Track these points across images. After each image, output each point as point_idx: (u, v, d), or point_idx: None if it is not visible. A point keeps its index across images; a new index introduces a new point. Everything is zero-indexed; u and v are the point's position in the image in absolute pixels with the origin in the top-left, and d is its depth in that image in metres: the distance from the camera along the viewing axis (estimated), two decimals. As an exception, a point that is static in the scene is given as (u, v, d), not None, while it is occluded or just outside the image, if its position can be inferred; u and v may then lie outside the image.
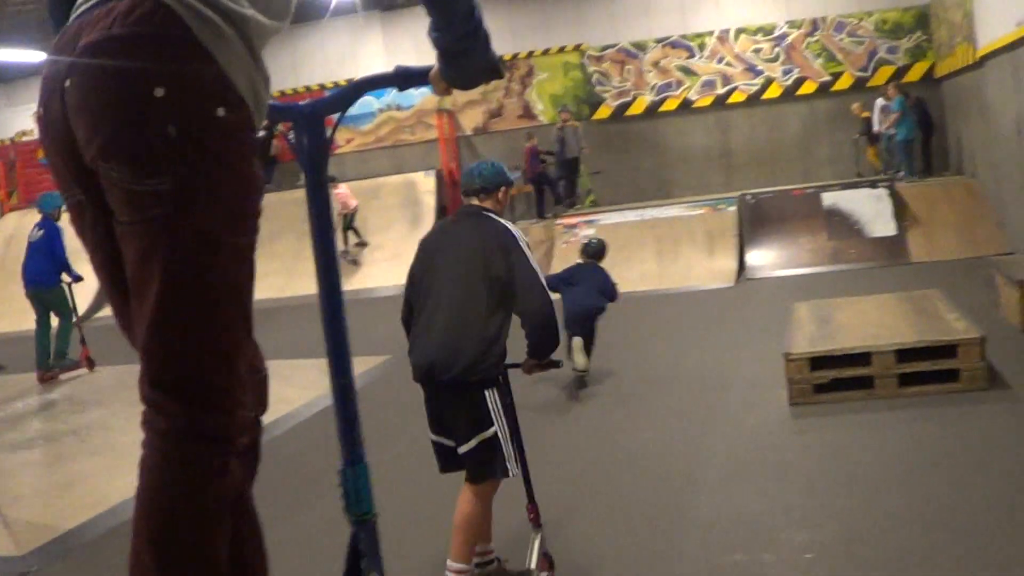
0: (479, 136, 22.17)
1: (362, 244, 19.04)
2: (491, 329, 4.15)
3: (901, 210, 15.57)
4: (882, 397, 7.39)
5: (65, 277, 11.02)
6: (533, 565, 4.21)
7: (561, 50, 21.67)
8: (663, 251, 15.71)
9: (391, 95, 22.00)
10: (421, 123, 22.36)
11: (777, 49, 20.70)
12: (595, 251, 9.38)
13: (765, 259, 15.59)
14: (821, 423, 7.06)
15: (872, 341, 7.59)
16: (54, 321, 11.24)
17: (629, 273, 15.56)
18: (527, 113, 21.93)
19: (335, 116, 2.59)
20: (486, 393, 4.12)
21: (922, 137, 17.85)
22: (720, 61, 20.96)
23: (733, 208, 16.41)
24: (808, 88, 20.66)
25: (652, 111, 21.21)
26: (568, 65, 21.64)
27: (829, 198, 16.29)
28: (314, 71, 22.79)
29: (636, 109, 21.31)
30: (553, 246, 16.97)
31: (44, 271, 11.03)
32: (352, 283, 17.87)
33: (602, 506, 5.95)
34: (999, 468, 5.69)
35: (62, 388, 10.71)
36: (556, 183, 19.33)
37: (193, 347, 2.01)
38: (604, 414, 8.22)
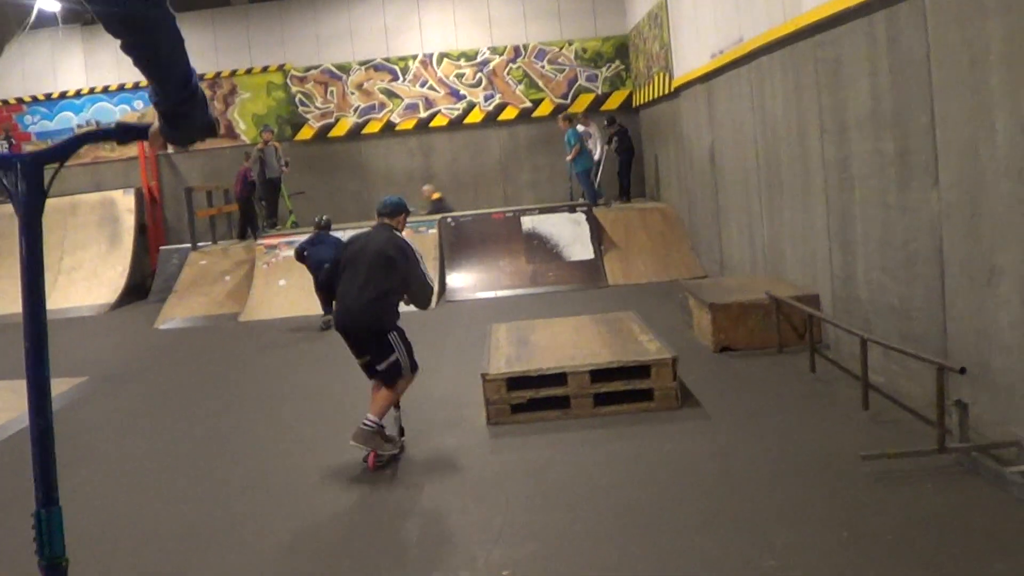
0: (180, 154, 21.66)
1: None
2: (390, 299, 7.09)
3: (599, 234, 16.38)
4: (578, 416, 7.71)
5: None
6: (396, 433, 7.23)
7: (265, 70, 21.51)
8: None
9: (91, 111, 21.76)
10: (121, 140, 21.54)
11: (480, 74, 21.36)
12: (327, 223, 12.86)
13: (466, 281, 15.91)
14: (519, 442, 7.27)
15: (568, 362, 7.91)
16: None
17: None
18: (229, 132, 21.55)
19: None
20: (389, 336, 7.02)
21: (621, 163, 18.92)
22: (423, 85, 21.38)
23: (434, 231, 16.64)
24: (510, 113, 21.43)
25: (355, 133, 21.33)
26: (271, 85, 21.51)
27: (529, 222, 16.88)
28: (13, 85, 21.78)
29: (339, 131, 21.35)
30: (254, 267, 16.56)
31: None
32: (49, 302, 17.07)
33: (296, 529, 5.89)
34: (691, 483, 6.06)
35: None
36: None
37: None
38: (303, 432, 8.19)
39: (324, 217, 14.15)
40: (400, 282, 7.04)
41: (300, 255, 13.57)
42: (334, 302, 7.30)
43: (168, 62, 2.61)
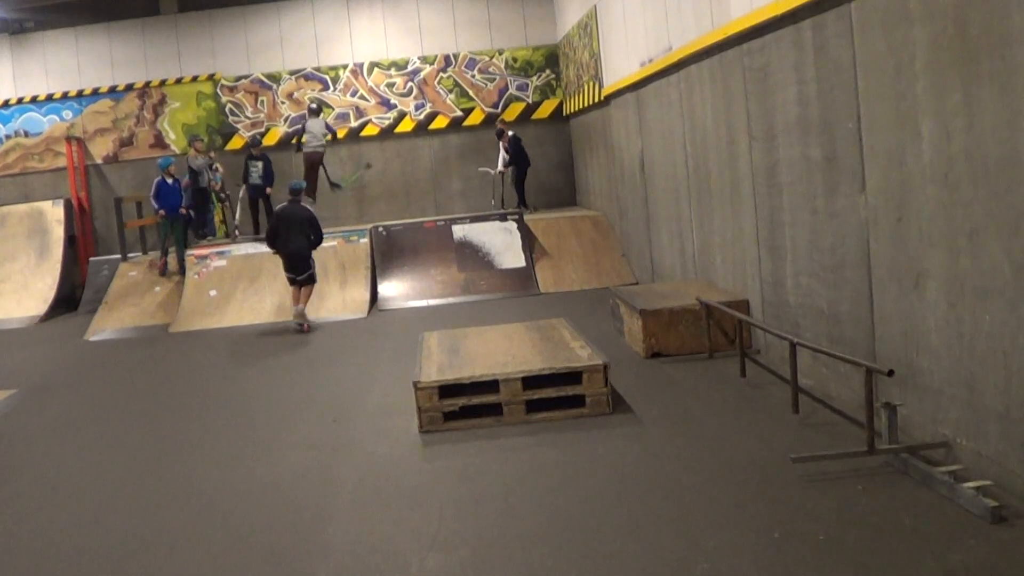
0: (110, 165, 21.29)
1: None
2: (308, 244, 13.57)
3: (530, 242, 16.37)
4: (511, 423, 7.66)
5: None
6: (302, 320, 13.77)
7: (194, 79, 21.19)
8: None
9: (19, 120, 21.35)
10: (50, 151, 21.36)
11: (410, 84, 21.27)
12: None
13: (397, 290, 15.79)
14: (451, 450, 7.19)
15: (500, 369, 7.86)
16: None
17: (262, 304, 15.30)
18: (159, 142, 21.21)
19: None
20: (310, 261, 13.66)
21: (517, 173, 18.99)
22: (354, 94, 21.24)
23: (365, 240, 16.50)
24: (441, 123, 21.34)
25: (286, 142, 21.06)
26: (201, 95, 21.22)
27: (460, 230, 16.81)
28: (-59, 95, 21.50)
29: (270, 140, 21.07)
30: (185, 277, 16.27)
31: None
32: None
33: (227, 538, 5.81)
34: (623, 487, 6.03)
35: None
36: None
37: None
38: (235, 443, 8.07)
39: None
40: (312, 231, 13.62)
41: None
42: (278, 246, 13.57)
43: None
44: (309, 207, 14.30)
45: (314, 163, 18.63)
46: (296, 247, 13.50)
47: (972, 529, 4.82)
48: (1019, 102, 4.76)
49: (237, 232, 18.28)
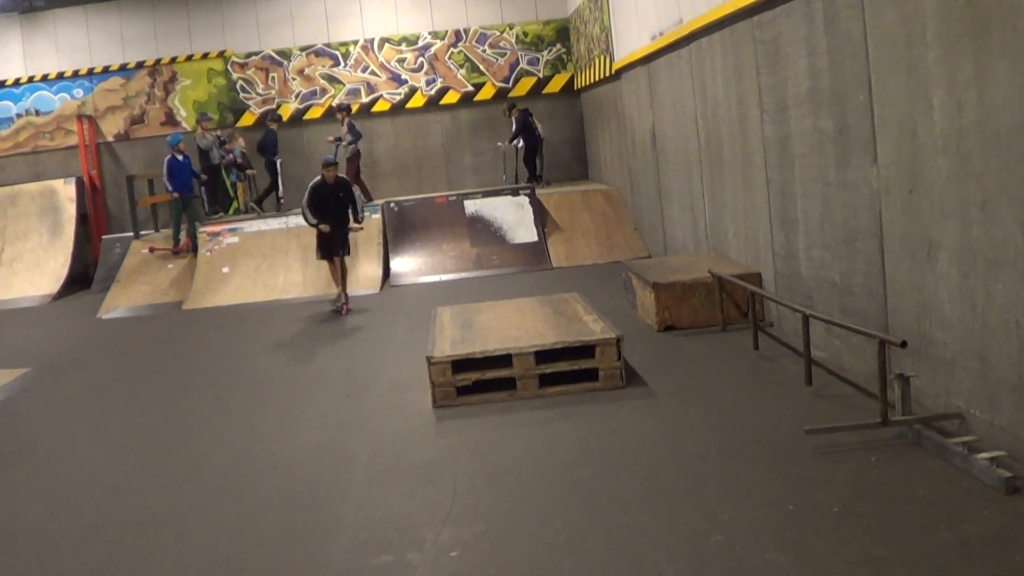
0: (121, 143, 21.33)
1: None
2: (347, 215, 13.02)
3: (542, 217, 16.35)
4: (524, 398, 7.68)
5: None
6: (343, 301, 13.15)
7: (205, 56, 21.18)
8: (309, 259, 15.54)
9: (30, 99, 21.36)
10: (61, 129, 21.40)
11: (421, 59, 21.21)
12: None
13: (409, 266, 15.82)
14: (465, 424, 7.21)
15: (513, 343, 7.87)
16: None
17: (275, 280, 15.34)
18: (170, 120, 21.23)
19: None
20: (348, 233, 13.08)
21: (526, 148, 18.95)
22: (365, 70, 21.19)
23: (377, 216, 16.50)
24: (451, 98, 21.30)
25: (297, 119, 21.08)
26: (212, 72, 21.19)
27: (472, 206, 16.81)
28: (-52, 72, 21.52)
29: (281, 116, 21.07)
30: (197, 254, 16.33)
31: None
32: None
33: (246, 511, 5.86)
34: (637, 460, 6.04)
35: None
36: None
37: None
38: (249, 419, 8.10)
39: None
40: (348, 203, 13.06)
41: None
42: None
43: None
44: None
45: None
46: (336, 222, 12.79)
47: (986, 500, 4.82)
48: (1032, 72, 4.73)
49: (282, 202, 18.68)
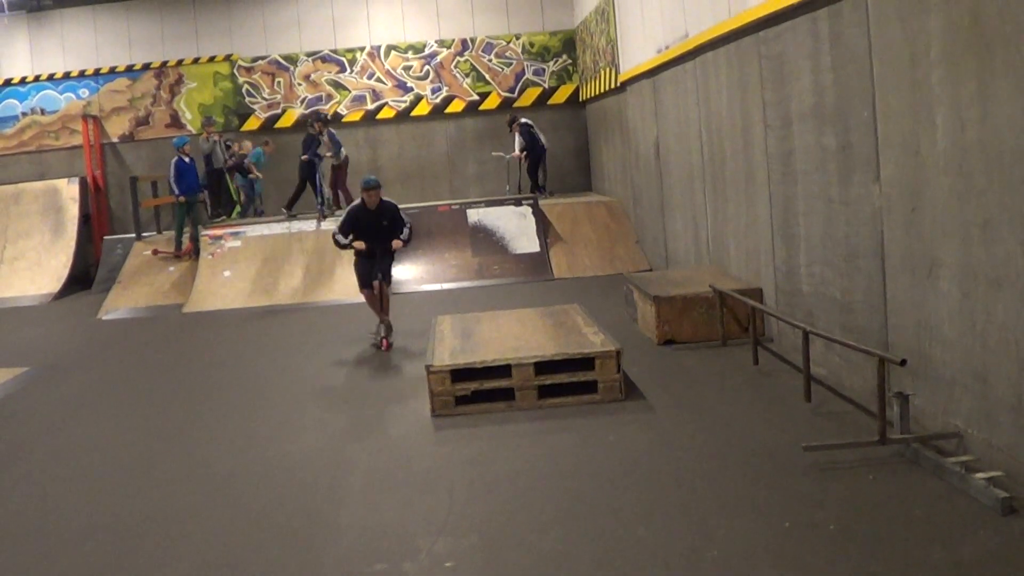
0: (126, 144, 21.42)
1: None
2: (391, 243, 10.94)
3: (544, 227, 16.37)
4: (523, 409, 7.67)
5: None
6: (383, 335, 10.96)
7: (211, 60, 21.25)
8: (311, 265, 15.56)
9: (36, 98, 21.42)
10: (66, 128, 21.48)
11: (427, 67, 21.26)
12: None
13: (411, 274, 15.81)
14: (463, 434, 7.21)
15: (512, 354, 7.87)
16: None
17: (275, 285, 15.35)
18: (175, 122, 21.29)
19: None
20: (391, 261, 11.07)
21: (530, 159, 18.90)
22: (370, 77, 21.24)
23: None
24: (457, 106, 21.34)
25: (301, 124, 21.08)
26: (218, 75, 21.26)
27: (475, 215, 16.82)
28: (-43, 71, 21.59)
29: (286, 122, 21.16)
30: (199, 257, 16.35)
31: None
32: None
33: (243, 515, 5.86)
34: (635, 474, 6.04)
35: None
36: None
37: None
38: (247, 423, 8.12)
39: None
40: (395, 227, 10.95)
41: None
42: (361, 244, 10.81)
43: None
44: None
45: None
46: (380, 251, 10.83)
47: (983, 520, 4.81)
48: (1036, 93, 4.74)
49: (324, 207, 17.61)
